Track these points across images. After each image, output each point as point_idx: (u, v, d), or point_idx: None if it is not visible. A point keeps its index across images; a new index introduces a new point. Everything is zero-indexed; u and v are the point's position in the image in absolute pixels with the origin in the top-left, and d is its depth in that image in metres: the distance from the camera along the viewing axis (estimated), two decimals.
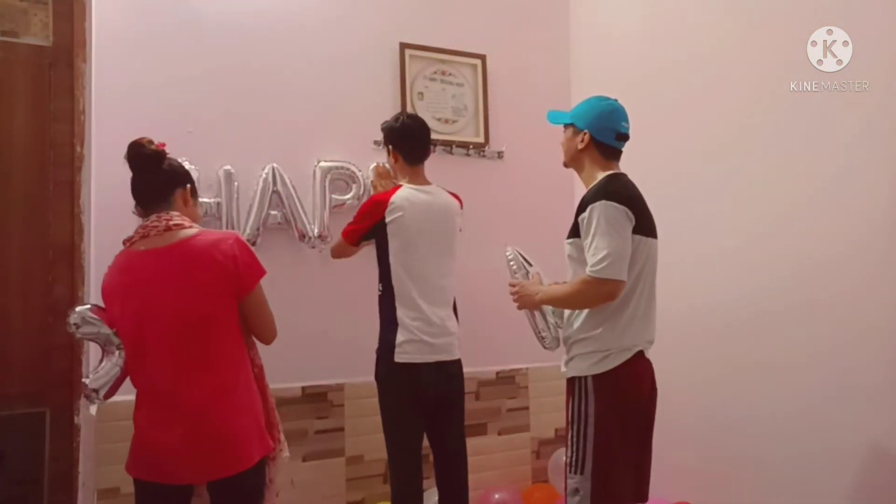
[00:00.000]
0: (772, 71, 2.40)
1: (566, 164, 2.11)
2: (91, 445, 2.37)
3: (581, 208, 1.91)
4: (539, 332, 2.10)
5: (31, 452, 2.25)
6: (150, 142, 1.82)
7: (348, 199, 2.85)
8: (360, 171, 2.86)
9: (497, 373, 3.07)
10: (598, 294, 1.83)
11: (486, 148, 3.20)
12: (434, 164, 2.57)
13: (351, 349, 2.80)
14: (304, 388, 2.73)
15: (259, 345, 1.94)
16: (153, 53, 2.59)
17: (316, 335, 2.76)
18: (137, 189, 1.83)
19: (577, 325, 1.94)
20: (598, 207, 1.83)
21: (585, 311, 1.92)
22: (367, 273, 2.88)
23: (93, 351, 2.33)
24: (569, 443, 1.91)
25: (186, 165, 2.01)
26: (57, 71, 2.35)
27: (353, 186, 2.87)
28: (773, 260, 2.38)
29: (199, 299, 1.72)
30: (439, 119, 3.10)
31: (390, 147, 2.49)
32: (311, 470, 2.71)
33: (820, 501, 2.21)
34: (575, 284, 1.89)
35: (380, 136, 2.90)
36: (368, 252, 2.91)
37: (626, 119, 2.02)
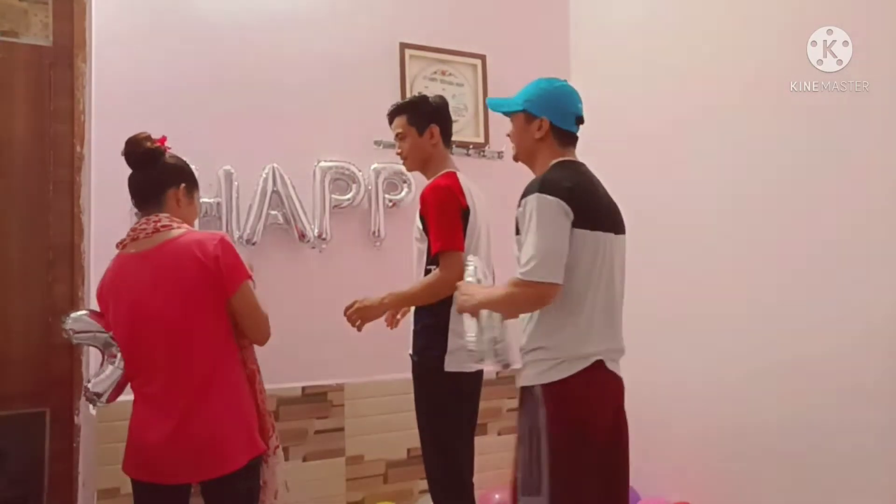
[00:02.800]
0: (772, 71, 2.40)
1: (517, 158, 1.90)
2: (91, 445, 2.37)
3: (519, 202, 1.73)
4: (468, 341, 1.80)
5: (31, 452, 2.24)
6: (148, 137, 1.79)
7: (348, 199, 2.85)
8: (360, 171, 2.86)
9: (497, 373, 3.06)
10: (527, 298, 1.63)
11: (486, 148, 3.20)
12: None
13: (351, 349, 2.80)
14: (304, 388, 2.73)
15: (258, 346, 1.93)
16: (153, 53, 2.59)
17: (316, 335, 2.76)
18: (130, 188, 1.82)
19: (529, 333, 1.74)
20: (531, 201, 1.65)
21: (536, 319, 1.72)
22: (366, 272, 2.89)
23: (93, 351, 2.33)
24: (520, 461, 1.72)
25: None
26: (57, 71, 2.35)
27: (353, 186, 2.87)
28: (773, 260, 2.38)
29: (183, 300, 1.72)
30: None
31: (434, 126, 2.22)
32: (311, 470, 2.71)
33: (819, 501, 2.21)
34: (505, 287, 1.68)
35: (381, 136, 2.90)
36: (369, 250, 2.92)
37: (580, 100, 1.84)
